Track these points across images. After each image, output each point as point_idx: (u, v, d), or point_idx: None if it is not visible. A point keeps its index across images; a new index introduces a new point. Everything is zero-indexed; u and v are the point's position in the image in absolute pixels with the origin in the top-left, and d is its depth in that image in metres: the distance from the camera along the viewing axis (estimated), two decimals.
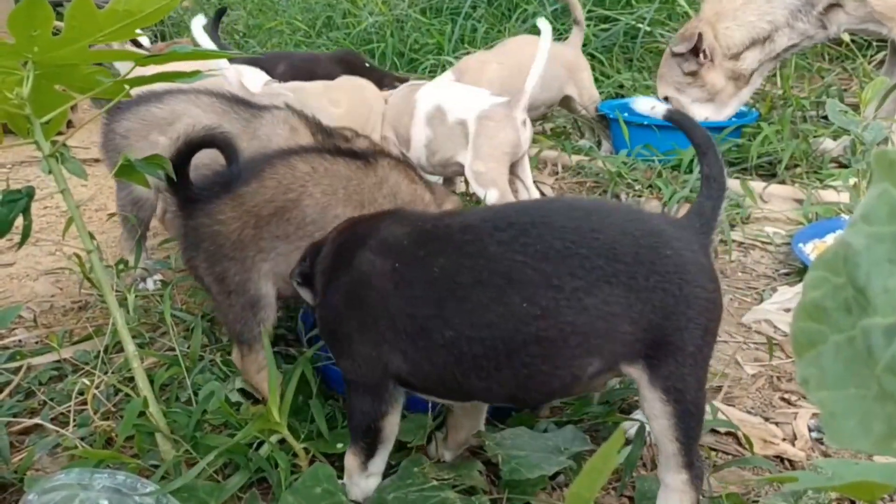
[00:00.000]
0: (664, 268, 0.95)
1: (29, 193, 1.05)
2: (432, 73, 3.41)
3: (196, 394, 1.37)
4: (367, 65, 2.61)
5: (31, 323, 1.77)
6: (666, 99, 2.72)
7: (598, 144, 2.99)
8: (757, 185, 2.42)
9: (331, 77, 2.46)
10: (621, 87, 3.49)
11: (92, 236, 1.20)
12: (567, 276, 0.95)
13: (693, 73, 2.64)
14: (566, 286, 0.94)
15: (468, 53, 3.61)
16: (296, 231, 1.29)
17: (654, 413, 0.99)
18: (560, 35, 3.74)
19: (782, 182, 2.47)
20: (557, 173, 2.73)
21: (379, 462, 1.11)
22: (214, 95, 1.67)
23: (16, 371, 1.50)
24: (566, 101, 2.82)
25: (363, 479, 1.11)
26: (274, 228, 1.28)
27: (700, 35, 2.56)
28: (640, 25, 3.54)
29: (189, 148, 1.21)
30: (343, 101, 2.26)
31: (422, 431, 1.19)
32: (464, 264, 1.00)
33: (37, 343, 1.66)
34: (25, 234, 1.06)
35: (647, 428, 1.09)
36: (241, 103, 1.69)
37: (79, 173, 1.21)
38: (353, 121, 2.26)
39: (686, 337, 0.96)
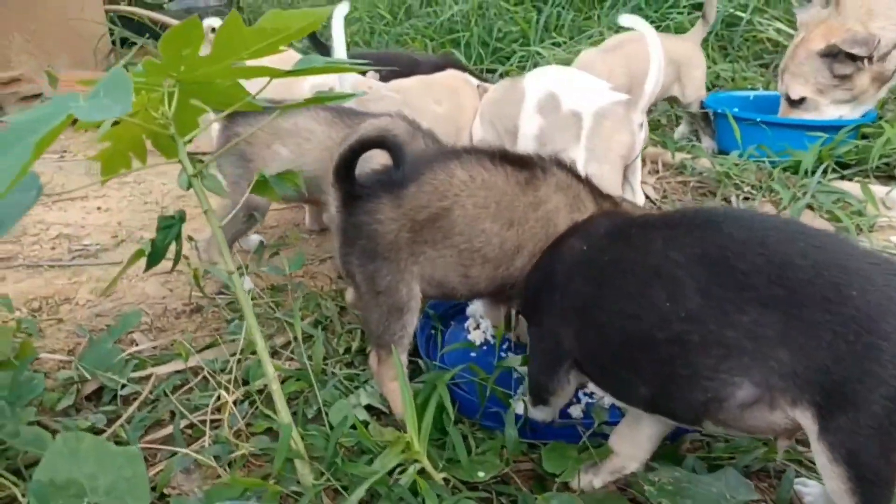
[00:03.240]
0: (842, 308, 0.86)
1: (181, 218, 1.03)
2: (521, 65, 3.31)
3: (323, 411, 1.34)
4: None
5: (146, 326, 1.79)
6: (802, 99, 2.58)
7: (696, 135, 2.87)
8: (877, 189, 2.27)
9: None
10: (717, 77, 3.33)
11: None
12: (717, 286, 0.91)
13: (844, 76, 2.48)
14: (714, 295, 0.91)
15: (555, 43, 3.50)
16: (443, 239, 1.27)
17: (825, 472, 0.91)
18: (651, 23, 3.59)
19: None
20: (658, 171, 2.62)
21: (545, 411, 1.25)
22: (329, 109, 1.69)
23: (139, 380, 1.51)
24: (669, 99, 2.70)
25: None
26: (426, 233, 1.26)
27: (879, 40, 2.40)
28: (741, 14, 3.36)
29: (361, 146, 1.20)
30: (444, 99, 2.20)
31: (571, 463, 1.15)
32: (625, 254, 1.05)
33: (155, 349, 1.66)
34: (177, 258, 1.04)
35: None
36: (349, 113, 1.69)
37: (218, 190, 1.19)
38: (449, 118, 2.21)
39: (864, 392, 0.86)
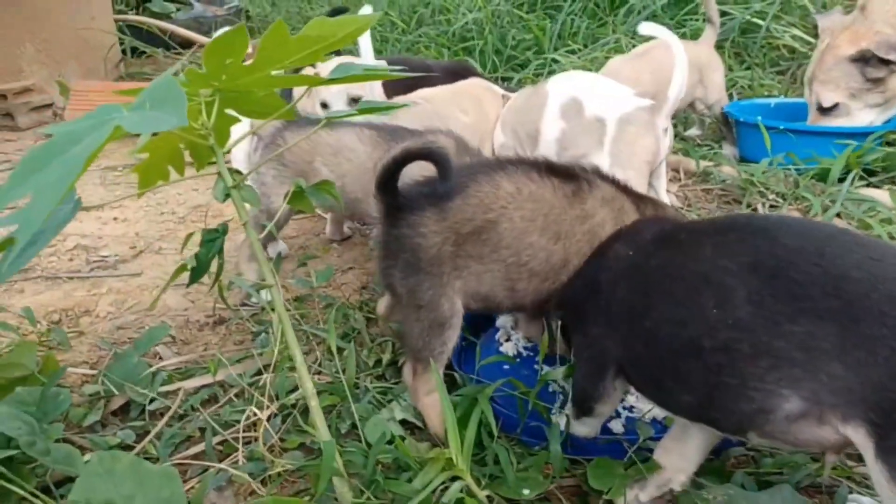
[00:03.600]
0: None
1: (224, 231, 1.00)
2: (538, 73, 3.29)
3: (358, 426, 1.32)
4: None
5: (168, 339, 1.76)
6: (835, 105, 2.55)
7: (716, 142, 2.84)
8: None
9: None
10: (734, 84, 3.30)
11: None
12: (769, 295, 0.89)
13: (877, 80, 2.46)
14: (766, 305, 0.88)
15: (570, 51, 3.49)
16: (490, 253, 1.24)
17: (883, 492, 0.87)
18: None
19: None
20: (680, 179, 2.60)
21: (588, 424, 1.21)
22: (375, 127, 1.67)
23: (166, 395, 1.48)
24: (690, 105, 2.68)
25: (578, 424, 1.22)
26: (470, 247, 1.23)
27: None
28: (758, 21, 3.34)
29: (405, 158, 1.17)
30: (471, 109, 2.19)
31: (618, 480, 1.12)
32: (675, 260, 1.03)
33: (181, 364, 1.63)
34: (219, 272, 1.01)
35: None
36: (396, 132, 1.67)
37: (254, 202, 1.16)
38: (475, 128, 2.20)
39: None
